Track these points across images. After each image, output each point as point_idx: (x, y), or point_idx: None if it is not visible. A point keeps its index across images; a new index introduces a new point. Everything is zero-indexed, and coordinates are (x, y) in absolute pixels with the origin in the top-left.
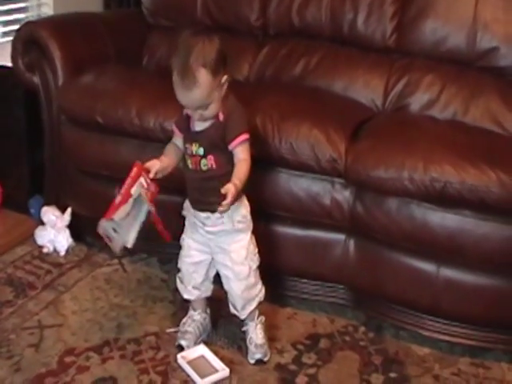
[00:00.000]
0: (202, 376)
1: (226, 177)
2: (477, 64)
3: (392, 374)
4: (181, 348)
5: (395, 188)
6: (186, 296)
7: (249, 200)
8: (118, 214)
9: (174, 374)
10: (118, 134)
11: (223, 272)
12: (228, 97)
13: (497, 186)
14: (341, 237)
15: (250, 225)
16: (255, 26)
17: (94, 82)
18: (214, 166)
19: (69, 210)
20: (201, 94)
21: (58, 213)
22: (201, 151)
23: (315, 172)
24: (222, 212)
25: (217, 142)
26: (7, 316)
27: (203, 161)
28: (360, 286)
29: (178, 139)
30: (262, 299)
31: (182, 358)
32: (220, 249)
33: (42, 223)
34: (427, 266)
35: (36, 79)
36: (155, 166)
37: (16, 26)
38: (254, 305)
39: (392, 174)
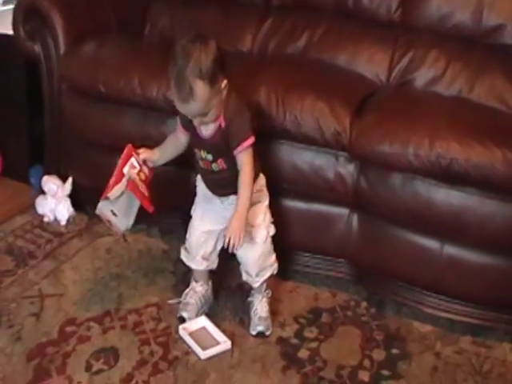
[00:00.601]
0: (204, 348)
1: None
2: (482, 41)
3: (394, 351)
4: (182, 319)
5: (400, 163)
6: (193, 266)
7: None
8: (113, 193)
9: (175, 345)
10: (120, 104)
11: None
12: (229, 98)
13: (502, 164)
14: (344, 211)
15: (267, 194)
16: None
17: (95, 51)
18: (225, 167)
19: (70, 180)
20: (198, 105)
21: (58, 182)
22: (210, 157)
23: (319, 145)
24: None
25: (223, 148)
26: (8, 285)
27: (214, 164)
28: (362, 261)
29: (181, 135)
30: (276, 271)
31: (184, 330)
32: None
33: (43, 192)
34: (431, 243)
35: (37, 48)
36: (144, 153)
37: None
38: (267, 274)
39: (397, 150)
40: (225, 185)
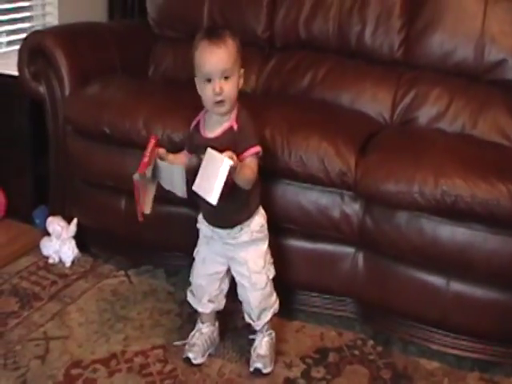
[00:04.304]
0: None
1: (240, 193)
2: (485, 77)
3: None
4: (188, 360)
5: (405, 202)
6: (200, 309)
7: None
8: (148, 172)
9: None
10: (125, 145)
11: (240, 281)
12: (242, 109)
13: (507, 200)
14: (350, 250)
15: (267, 235)
16: (262, 38)
17: (100, 93)
18: (228, 178)
19: (74, 221)
20: (226, 54)
21: (63, 223)
22: None
23: (324, 185)
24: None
25: (229, 149)
26: (13, 327)
27: None
28: (368, 300)
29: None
30: (277, 310)
31: None
32: (238, 258)
33: (48, 234)
34: (437, 280)
35: (42, 89)
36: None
37: (20, 36)
38: (269, 316)
39: (402, 188)
40: (225, 209)
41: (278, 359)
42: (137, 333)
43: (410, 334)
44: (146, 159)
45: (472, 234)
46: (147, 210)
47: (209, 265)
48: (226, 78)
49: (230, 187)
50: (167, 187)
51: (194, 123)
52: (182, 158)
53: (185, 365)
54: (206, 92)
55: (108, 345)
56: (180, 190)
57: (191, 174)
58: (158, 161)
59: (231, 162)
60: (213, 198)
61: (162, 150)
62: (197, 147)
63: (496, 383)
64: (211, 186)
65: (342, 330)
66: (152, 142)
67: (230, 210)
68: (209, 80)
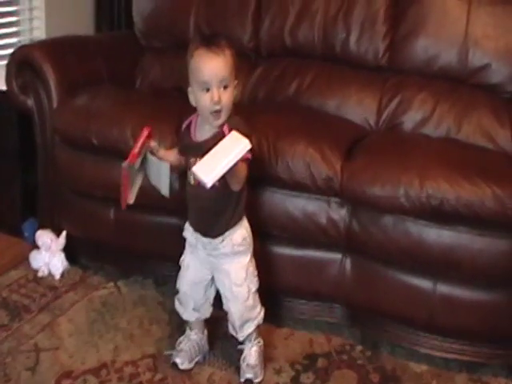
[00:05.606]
0: None
1: (227, 199)
2: (469, 81)
3: None
4: (176, 366)
5: (391, 205)
6: (185, 317)
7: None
8: (137, 163)
9: None
10: (113, 155)
11: (223, 292)
12: (233, 116)
13: (491, 201)
14: (337, 255)
15: (250, 247)
16: (248, 47)
17: (88, 104)
18: (216, 183)
19: (63, 234)
20: (225, 63)
21: (52, 236)
22: None
23: (311, 191)
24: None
25: None
26: (3, 339)
27: None
28: (356, 304)
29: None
30: (261, 322)
31: None
32: (220, 270)
33: (37, 246)
34: (423, 283)
35: (30, 102)
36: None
37: (8, 51)
38: (252, 327)
39: (388, 191)
40: (211, 209)
41: (268, 365)
42: (127, 342)
43: (397, 338)
44: (136, 150)
45: (458, 236)
46: (131, 200)
47: (193, 273)
48: (225, 87)
49: (222, 185)
50: (153, 182)
51: (185, 123)
52: (172, 156)
53: (175, 373)
54: (203, 101)
55: (98, 355)
56: (164, 188)
57: (180, 173)
58: (149, 154)
59: (250, 146)
60: (211, 177)
61: (153, 144)
62: (185, 148)
63: (484, 383)
64: (216, 165)
65: (330, 336)
66: (144, 133)
67: (214, 213)
68: (207, 89)
